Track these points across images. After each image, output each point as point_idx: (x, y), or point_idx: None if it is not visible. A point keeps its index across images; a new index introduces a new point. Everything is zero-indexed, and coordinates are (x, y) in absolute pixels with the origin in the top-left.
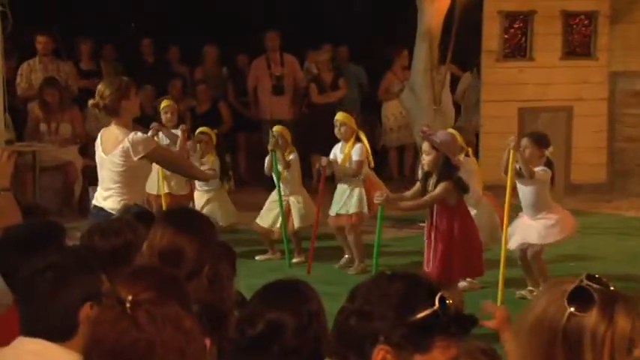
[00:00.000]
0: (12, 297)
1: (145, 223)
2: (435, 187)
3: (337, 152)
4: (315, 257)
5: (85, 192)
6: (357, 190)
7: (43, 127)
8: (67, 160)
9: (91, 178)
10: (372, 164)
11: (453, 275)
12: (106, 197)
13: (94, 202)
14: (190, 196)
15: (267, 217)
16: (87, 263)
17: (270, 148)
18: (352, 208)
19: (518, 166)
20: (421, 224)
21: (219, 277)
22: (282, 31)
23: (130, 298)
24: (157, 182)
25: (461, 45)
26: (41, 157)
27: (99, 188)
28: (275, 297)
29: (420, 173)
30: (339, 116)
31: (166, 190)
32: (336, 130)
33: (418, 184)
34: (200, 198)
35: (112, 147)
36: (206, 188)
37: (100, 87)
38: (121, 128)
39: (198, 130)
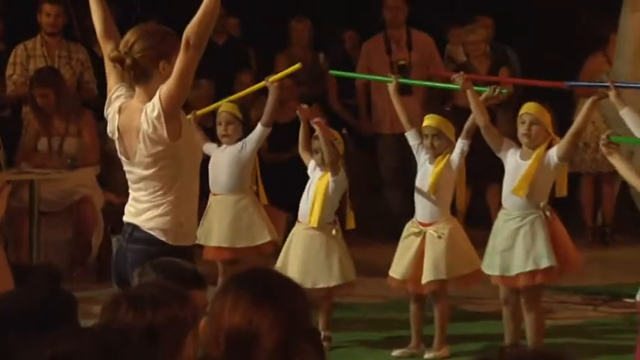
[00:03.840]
0: None
1: (194, 288)
2: None
3: (514, 166)
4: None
5: (108, 245)
6: (542, 232)
7: (42, 143)
8: (81, 196)
9: (116, 222)
10: (564, 192)
11: None
12: (142, 211)
13: (124, 217)
14: (271, 245)
15: (400, 264)
16: (112, 353)
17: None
18: (544, 260)
19: None
20: (629, 300)
21: None
22: None
23: None
24: (216, 229)
25: None
26: (43, 192)
27: (130, 198)
28: None
29: None
30: (530, 108)
31: (234, 244)
32: (522, 130)
33: None
34: (311, 242)
35: (134, 143)
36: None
37: (129, 36)
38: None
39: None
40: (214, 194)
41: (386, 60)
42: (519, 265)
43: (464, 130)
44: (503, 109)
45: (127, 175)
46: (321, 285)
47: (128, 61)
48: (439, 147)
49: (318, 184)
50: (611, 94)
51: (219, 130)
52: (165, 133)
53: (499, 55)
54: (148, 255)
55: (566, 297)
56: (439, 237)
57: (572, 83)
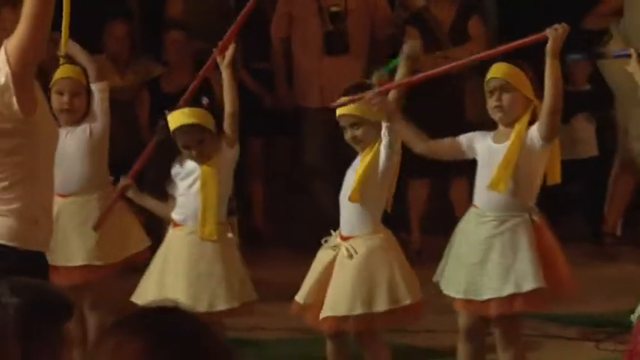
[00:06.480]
0: None
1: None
2: None
3: (487, 153)
4: None
5: None
6: (527, 242)
7: None
8: None
9: None
10: (557, 178)
11: None
12: None
13: None
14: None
15: (305, 284)
16: None
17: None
18: (528, 280)
19: None
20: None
21: None
22: None
23: None
24: (74, 244)
25: None
26: None
27: None
28: None
29: None
30: (497, 71)
31: (105, 259)
32: (492, 102)
33: None
34: (200, 250)
35: None
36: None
37: None
38: None
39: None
40: (63, 196)
41: (313, 5)
42: (493, 286)
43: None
44: (475, 78)
45: None
46: (220, 307)
47: None
48: (364, 138)
49: (205, 179)
50: (633, 62)
51: (59, 104)
52: (15, 104)
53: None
54: None
55: (558, 329)
56: (349, 256)
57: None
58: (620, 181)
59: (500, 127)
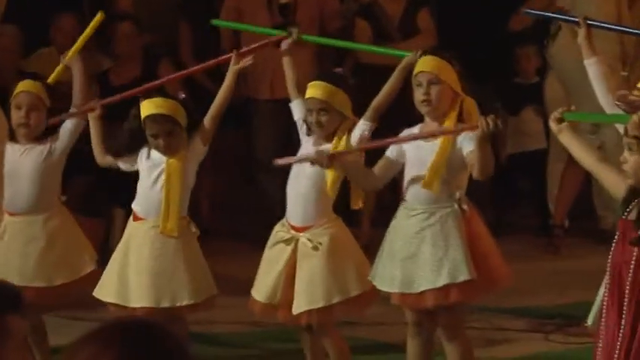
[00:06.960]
0: None
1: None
2: None
3: (415, 146)
4: None
5: None
6: (457, 232)
7: None
8: None
9: None
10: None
11: None
12: None
13: None
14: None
15: (264, 282)
16: None
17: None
18: (462, 271)
19: None
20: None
21: None
22: None
23: None
24: (17, 264)
25: None
26: None
27: None
28: None
29: None
30: (425, 65)
31: (51, 281)
32: (419, 95)
33: None
34: (162, 245)
35: None
36: (150, 224)
37: None
38: None
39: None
40: (11, 214)
41: None
42: (428, 278)
43: (369, 109)
44: None
45: None
46: (184, 302)
47: None
48: (327, 124)
49: (170, 172)
50: (581, 34)
51: (17, 118)
52: None
53: None
54: None
55: (507, 321)
56: (314, 248)
57: (528, 10)
58: (568, 173)
59: (427, 120)
